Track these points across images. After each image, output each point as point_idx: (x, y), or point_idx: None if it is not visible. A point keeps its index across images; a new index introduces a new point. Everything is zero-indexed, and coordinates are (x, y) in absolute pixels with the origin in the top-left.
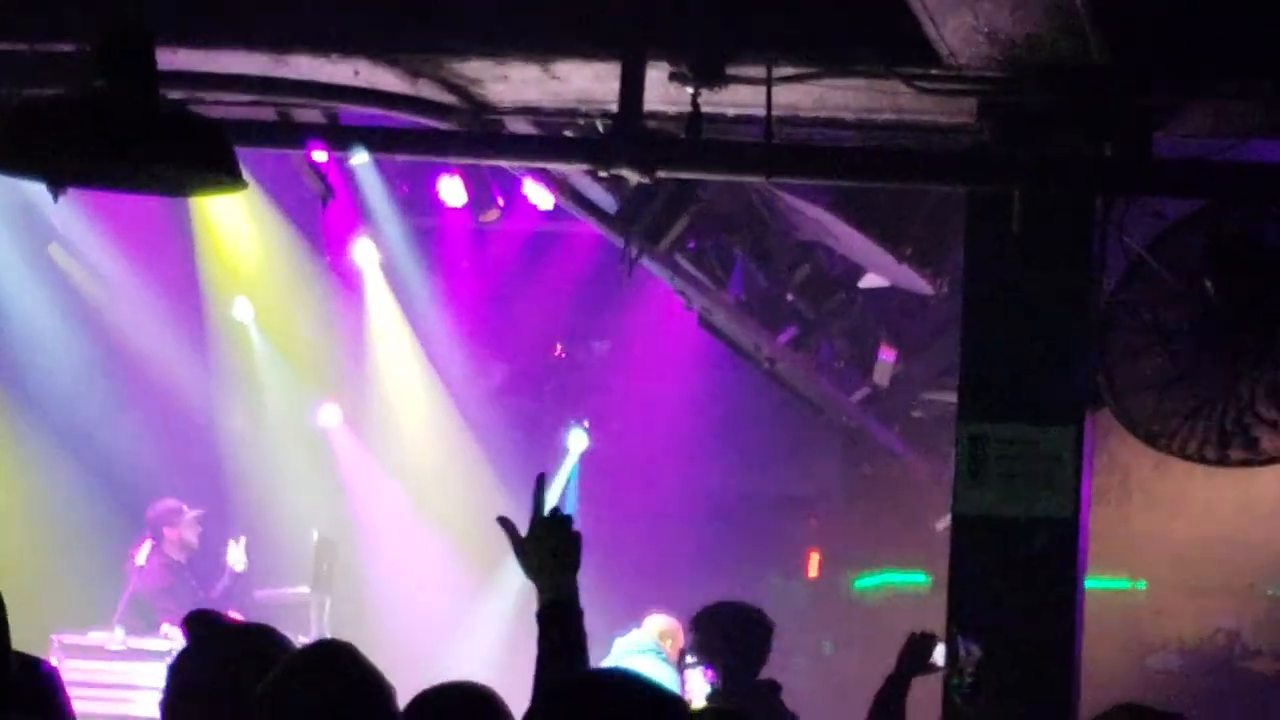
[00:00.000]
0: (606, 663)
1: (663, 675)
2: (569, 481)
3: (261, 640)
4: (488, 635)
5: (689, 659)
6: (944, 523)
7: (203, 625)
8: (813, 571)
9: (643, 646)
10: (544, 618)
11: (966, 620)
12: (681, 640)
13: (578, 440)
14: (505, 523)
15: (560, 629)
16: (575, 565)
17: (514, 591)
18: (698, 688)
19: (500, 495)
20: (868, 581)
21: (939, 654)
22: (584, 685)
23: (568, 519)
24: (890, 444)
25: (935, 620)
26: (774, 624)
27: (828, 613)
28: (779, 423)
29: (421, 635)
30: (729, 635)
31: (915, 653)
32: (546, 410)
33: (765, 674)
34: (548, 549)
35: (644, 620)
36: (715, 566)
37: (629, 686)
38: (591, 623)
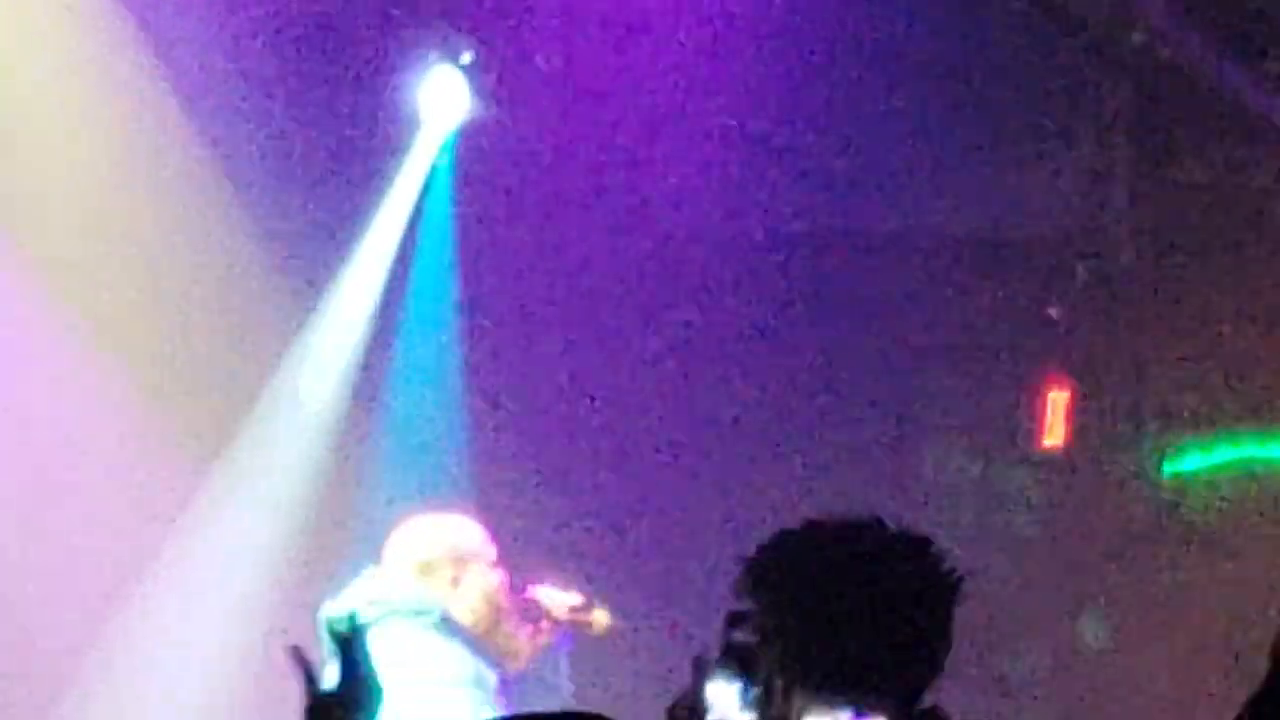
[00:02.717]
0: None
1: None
2: (427, 195)
3: None
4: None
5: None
6: None
7: None
8: (1053, 434)
9: (391, 604)
10: None
11: None
12: (488, 580)
13: (445, 89)
14: (298, 655)
15: None
16: None
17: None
18: None
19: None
20: (1197, 460)
21: None
22: None
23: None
24: (1251, 97)
25: None
26: (958, 575)
27: (1091, 540)
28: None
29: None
30: (833, 607)
31: None
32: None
33: (943, 690)
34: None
35: (392, 536)
36: (781, 417)
37: None
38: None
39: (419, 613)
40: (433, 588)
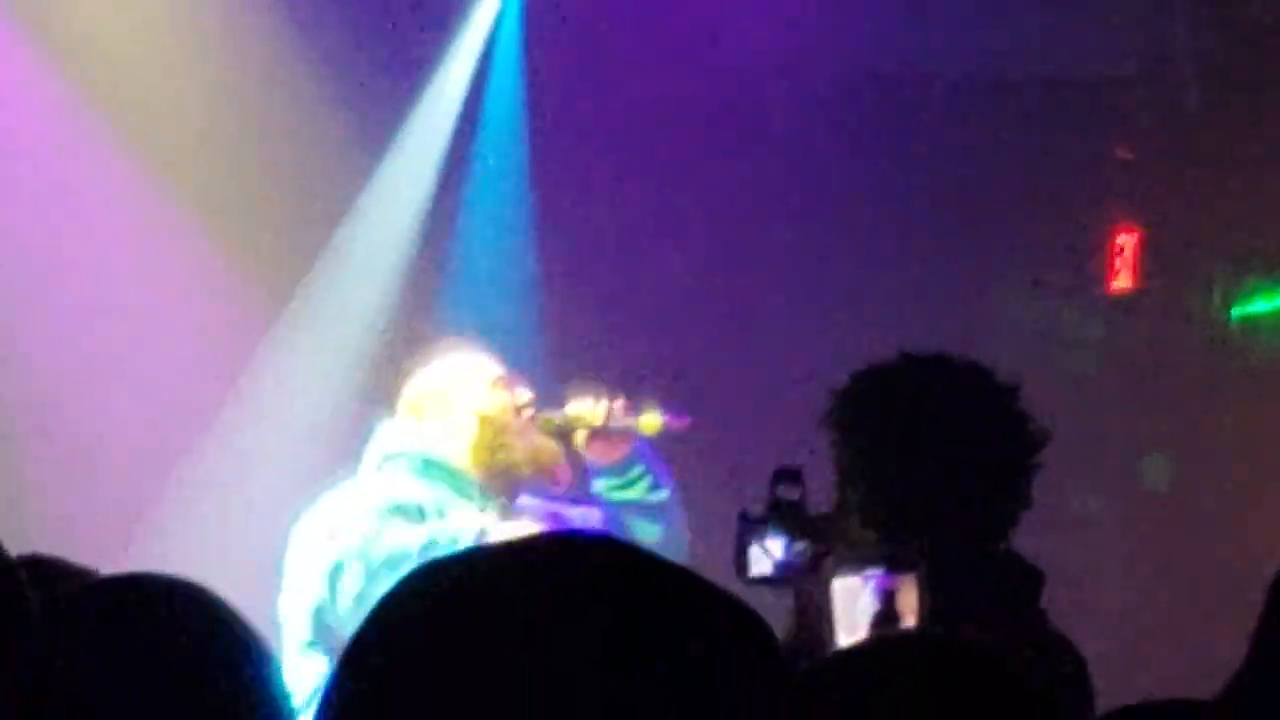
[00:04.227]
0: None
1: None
2: (492, 53)
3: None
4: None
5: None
6: None
7: None
8: (1121, 278)
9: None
10: None
11: None
12: (482, 402)
13: None
14: None
15: None
16: None
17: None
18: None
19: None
20: (1267, 303)
21: None
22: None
23: None
24: None
25: None
26: (1045, 432)
27: (1159, 384)
28: None
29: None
30: (918, 448)
31: None
32: None
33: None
34: None
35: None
36: (854, 269)
37: None
38: None
39: (389, 458)
40: (423, 427)
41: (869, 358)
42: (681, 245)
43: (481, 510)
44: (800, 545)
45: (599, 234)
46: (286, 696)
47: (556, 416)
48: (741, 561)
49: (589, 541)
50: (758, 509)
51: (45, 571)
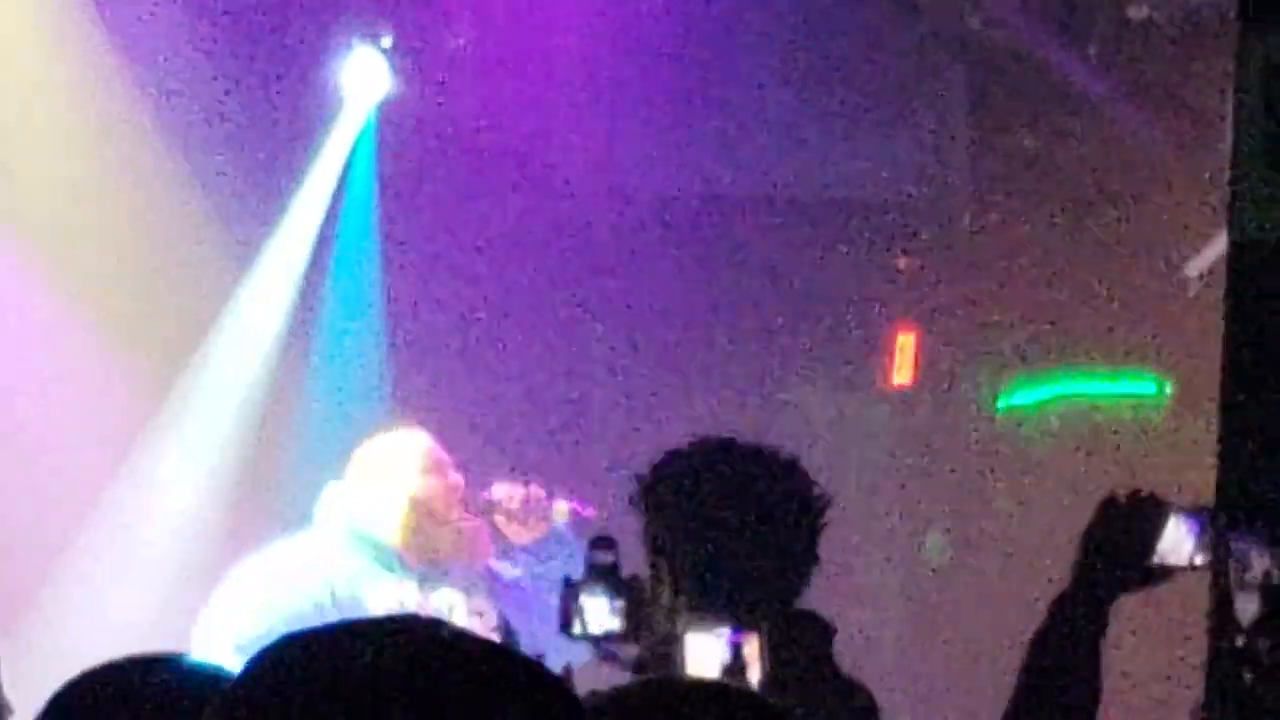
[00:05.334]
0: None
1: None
2: (350, 168)
3: None
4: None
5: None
6: (1203, 261)
7: None
8: (901, 373)
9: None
10: None
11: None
12: (414, 486)
13: (366, 70)
14: None
15: None
16: None
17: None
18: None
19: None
20: (1027, 396)
21: (1175, 541)
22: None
23: None
24: (1075, 75)
25: (1171, 480)
26: (826, 497)
27: (935, 468)
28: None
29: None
30: (717, 521)
31: (1118, 539)
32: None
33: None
34: None
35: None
36: (672, 365)
37: None
38: None
39: (323, 524)
40: (364, 500)
41: (687, 440)
42: (519, 342)
43: (400, 582)
44: (619, 603)
45: (448, 327)
46: None
47: (482, 499)
48: (565, 621)
49: (419, 620)
50: (577, 574)
51: None
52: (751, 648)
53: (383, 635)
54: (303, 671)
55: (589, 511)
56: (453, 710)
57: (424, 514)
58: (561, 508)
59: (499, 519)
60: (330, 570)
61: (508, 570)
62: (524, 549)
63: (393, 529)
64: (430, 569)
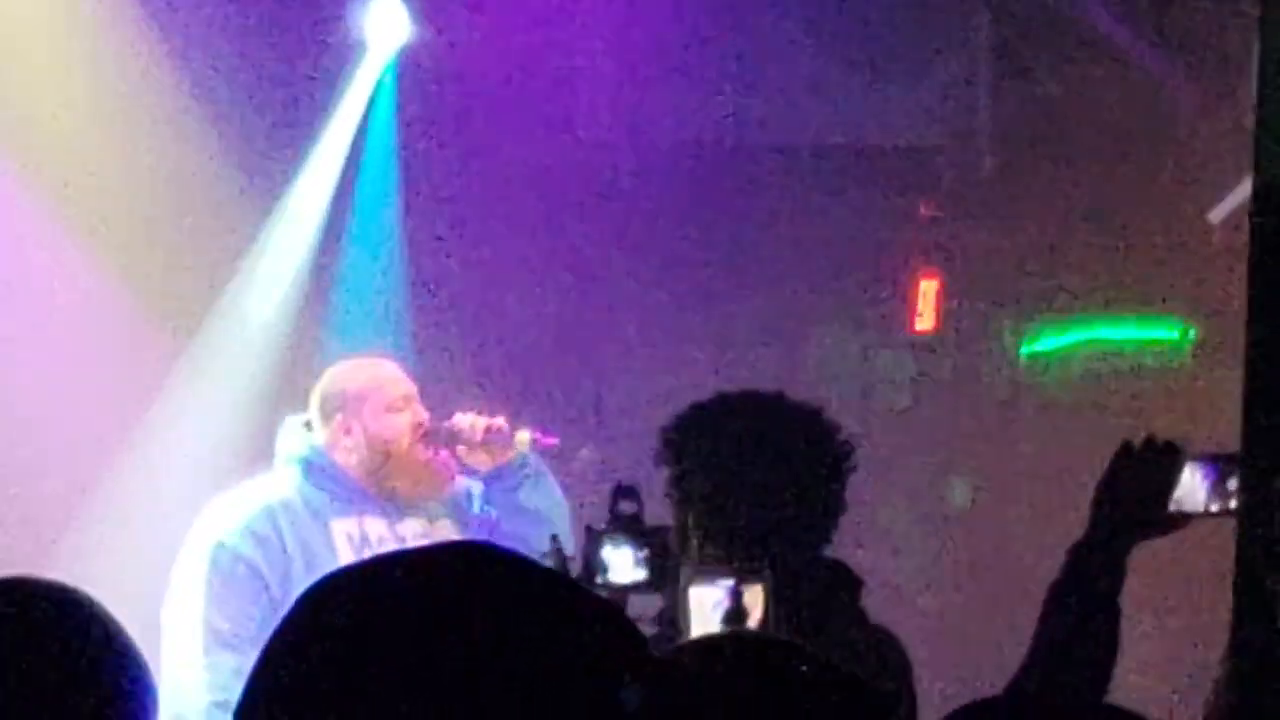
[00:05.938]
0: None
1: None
2: (371, 115)
3: None
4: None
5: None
6: (1227, 206)
7: None
8: (924, 319)
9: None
10: None
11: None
12: (380, 419)
13: (387, 16)
14: None
15: None
16: None
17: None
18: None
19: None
20: (1051, 342)
21: (1191, 488)
22: None
23: None
24: (1099, 21)
25: (1194, 426)
26: (850, 445)
27: (958, 415)
28: None
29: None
30: (739, 473)
31: (1133, 487)
32: None
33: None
34: None
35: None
36: (694, 312)
37: None
38: None
39: (285, 460)
40: (325, 434)
41: (712, 390)
42: (539, 290)
43: (363, 514)
44: (643, 553)
45: (466, 277)
46: (154, 702)
47: (444, 430)
48: (588, 571)
49: (470, 547)
50: (601, 523)
51: None
52: (754, 595)
53: (438, 563)
54: (359, 605)
55: (550, 439)
56: (513, 638)
57: (382, 452)
58: (523, 436)
59: (461, 449)
60: (294, 503)
61: (474, 492)
62: (488, 478)
63: (351, 465)
64: (391, 503)
